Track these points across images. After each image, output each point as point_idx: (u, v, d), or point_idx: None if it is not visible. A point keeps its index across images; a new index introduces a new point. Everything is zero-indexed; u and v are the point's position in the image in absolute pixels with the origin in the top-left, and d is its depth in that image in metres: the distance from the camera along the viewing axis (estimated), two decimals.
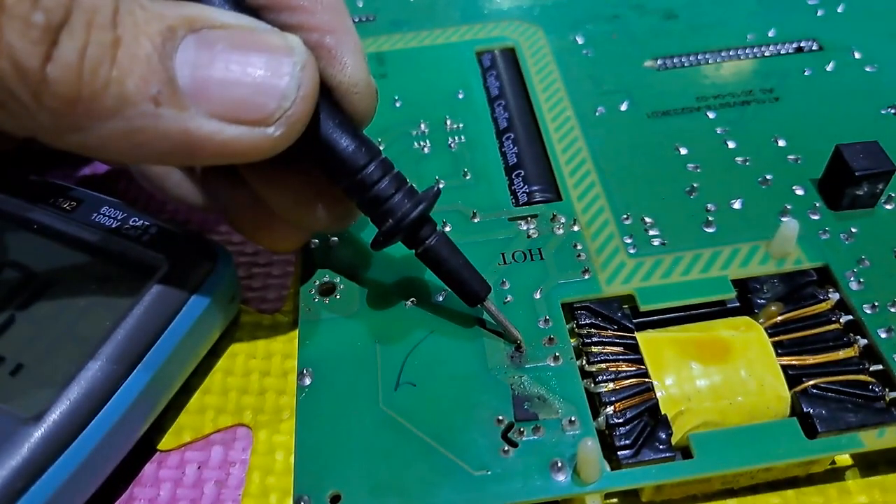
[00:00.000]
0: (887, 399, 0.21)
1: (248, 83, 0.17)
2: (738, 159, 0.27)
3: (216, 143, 0.17)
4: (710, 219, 0.25)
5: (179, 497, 0.22)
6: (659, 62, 0.31)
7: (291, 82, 0.17)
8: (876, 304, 0.22)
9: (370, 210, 0.21)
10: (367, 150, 0.20)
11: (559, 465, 0.20)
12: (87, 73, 0.16)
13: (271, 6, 0.19)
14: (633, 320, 0.23)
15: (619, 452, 0.20)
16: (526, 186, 0.27)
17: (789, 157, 0.27)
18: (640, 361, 0.22)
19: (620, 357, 0.22)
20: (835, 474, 0.22)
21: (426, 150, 0.28)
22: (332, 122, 0.20)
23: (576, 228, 0.25)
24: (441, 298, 0.24)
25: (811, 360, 0.21)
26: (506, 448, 0.20)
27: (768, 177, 0.26)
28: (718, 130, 0.28)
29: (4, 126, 0.16)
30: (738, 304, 0.23)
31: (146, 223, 0.24)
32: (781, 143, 0.27)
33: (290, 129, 0.18)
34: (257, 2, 0.19)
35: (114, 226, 0.24)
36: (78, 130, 0.16)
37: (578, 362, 0.22)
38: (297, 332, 0.24)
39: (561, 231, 0.25)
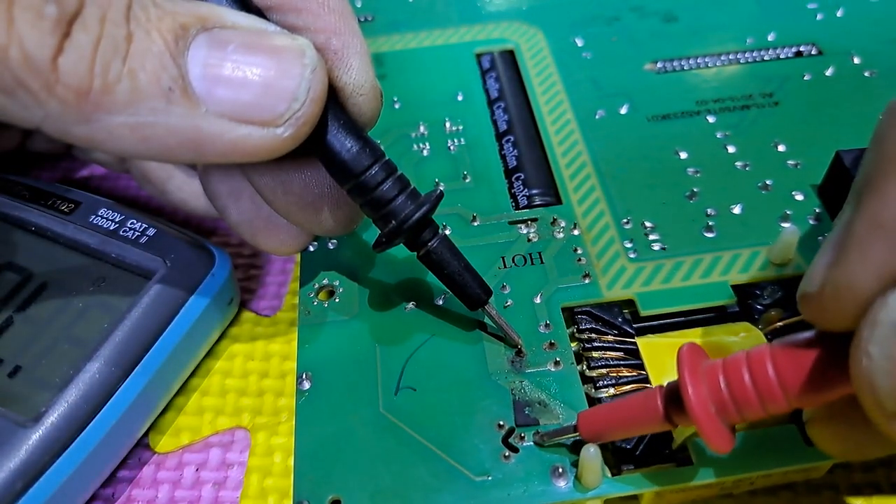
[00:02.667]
0: None
1: (259, 83, 0.17)
2: (738, 164, 0.27)
3: (225, 142, 0.17)
4: (711, 224, 0.25)
5: (178, 499, 0.22)
6: (659, 65, 0.31)
7: (302, 84, 0.18)
8: None
9: (373, 212, 0.21)
10: (371, 152, 0.20)
11: (560, 470, 0.20)
12: (100, 65, 0.16)
13: (277, 7, 0.19)
14: (634, 325, 0.23)
15: (619, 458, 0.20)
16: (526, 190, 0.26)
17: (789, 162, 0.27)
18: (641, 367, 0.22)
19: (621, 362, 0.22)
20: (832, 479, 0.22)
21: (425, 152, 0.28)
22: (336, 123, 0.20)
23: (576, 232, 0.25)
24: (441, 302, 0.24)
25: None
26: (507, 453, 0.20)
27: (768, 182, 0.26)
28: (718, 135, 0.28)
29: (13, 116, 0.16)
30: (738, 309, 0.23)
31: (144, 225, 0.24)
32: (781, 148, 0.27)
33: (298, 131, 0.18)
34: (265, 3, 0.19)
35: (112, 228, 0.24)
36: (86, 122, 0.16)
37: (579, 367, 0.22)
38: (295, 333, 0.24)
39: (561, 235, 0.25)
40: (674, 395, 0.18)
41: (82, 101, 0.16)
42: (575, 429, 0.20)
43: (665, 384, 0.18)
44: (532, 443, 0.20)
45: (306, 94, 0.18)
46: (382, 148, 0.21)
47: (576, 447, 0.20)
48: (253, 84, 0.17)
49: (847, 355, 0.15)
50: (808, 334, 0.16)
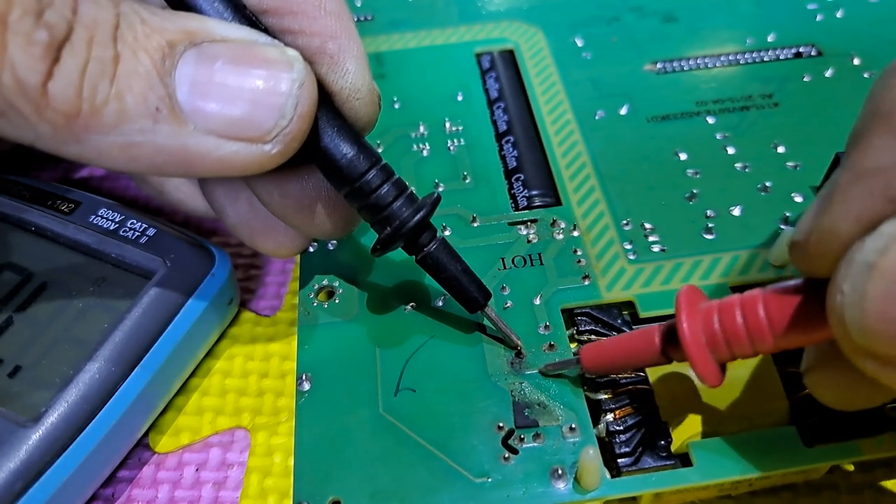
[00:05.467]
0: (887, 407, 0.21)
1: (247, 100, 0.17)
2: (738, 165, 0.27)
3: (213, 159, 0.17)
4: (710, 225, 0.25)
5: (178, 499, 0.22)
6: (659, 66, 0.31)
7: (289, 100, 0.17)
8: None
9: (370, 216, 0.21)
10: (367, 157, 0.20)
11: (560, 472, 0.20)
12: (88, 89, 0.16)
13: (273, 11, 0.19)
14: (634, 327, 0.23)
15: (619, 460, 0.20)
16: (526, 191, 0.26)
17: (788, 163, 0.27)
18: (640, 368, 0.22)
19: None
20: (832, 479, 0.22)
21: (425, 152, 0.28)
22: (332, 128, 0.20)
23: (576, 234, 0.25)
24: (441, 303, 0.24)
25: None
26: (506, 455, 0.20)
27: (768, 184, 0.26)
28: (718, 136, 0.28)
29: (6, 135, 0.16)
30: None
31: (144, 225, 0.24)
32: (781, 149, 0.27)
33: (286, 147, 0.18)
34: (260, 6, 0.19)
35: (112, 228, 0.24)
36: (76, 142, 0.16)
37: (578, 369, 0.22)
38: (295, 333, 0.24)
39: (561, 236, 0.25)
40: (671, 332, 0.19)
41: (71, 124, 0.16)
42: (577, 361, 0.21)
43: (664, 323, 0.19)
44: (537, 375, 0.22)
45: (293, 111, 0.18)
46: (380, 151, 0.20)
47: (574, 450, 0.20)
48: (240, 101, 0.17)
49: None
50: (797, 281, 0.17)
